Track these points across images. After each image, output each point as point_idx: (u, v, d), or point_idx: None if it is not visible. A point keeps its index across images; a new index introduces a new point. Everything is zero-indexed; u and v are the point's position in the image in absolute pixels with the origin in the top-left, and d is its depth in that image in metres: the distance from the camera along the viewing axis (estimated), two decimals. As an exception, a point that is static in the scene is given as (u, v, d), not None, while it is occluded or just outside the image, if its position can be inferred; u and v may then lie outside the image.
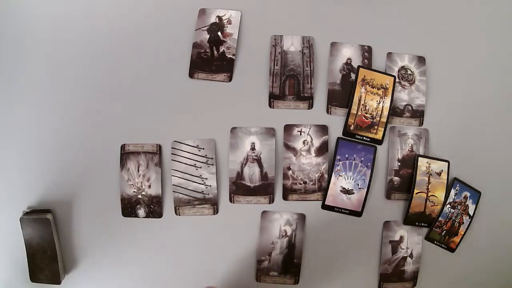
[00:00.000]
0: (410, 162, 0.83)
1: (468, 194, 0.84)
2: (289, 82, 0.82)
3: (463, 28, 0.86)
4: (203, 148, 0.80)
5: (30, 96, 0.81)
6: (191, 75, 0.82)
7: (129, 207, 0.80)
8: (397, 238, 0.83)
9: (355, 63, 0.83)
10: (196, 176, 0.80)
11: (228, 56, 0.82)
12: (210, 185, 0.80)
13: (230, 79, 0.82)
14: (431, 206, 0.82)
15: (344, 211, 0.82)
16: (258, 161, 0.80)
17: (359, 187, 0.81)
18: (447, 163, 0.83)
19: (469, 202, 0.84)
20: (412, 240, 0.83)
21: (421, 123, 0.84)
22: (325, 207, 0.82)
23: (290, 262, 0.81)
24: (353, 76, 0.83)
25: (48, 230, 0.77)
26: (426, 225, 0.83)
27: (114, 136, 0.81)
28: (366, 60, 0.83)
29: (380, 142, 0.82)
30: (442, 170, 0.83)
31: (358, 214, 0.82)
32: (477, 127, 0.86)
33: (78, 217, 0.80)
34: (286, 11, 0.84)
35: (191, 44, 0.82)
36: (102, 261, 0.81)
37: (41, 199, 0.80)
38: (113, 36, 0.82)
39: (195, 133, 0.81)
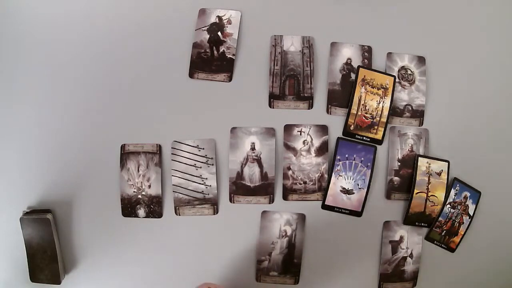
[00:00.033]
0: (410, 162, 0.83)
1: (468, 194, 0.84)
2: (289, 82, 0.82)
3: (463, 28, 0.86)
4: (203, 148, 0.80)
5: (30, 96, 0.81)
6: (191, 75, 0.82)
7: (129, 207, 0.80)
8: (397, 238, 0.83)
9: (355, 63, 0.83)
10: (196, 176, 0.80)
11: (228, 56, 0.82)
12: (210, 185, 0.80)
13: (230, 79, 0.82)
14: (431, 206, 0.82)
15: (344, 211, 0.82)
16: (258, 161, 0.80)
17: (359, 187, 0.81)
18: (447, 163, 0.83)
19: (469, 202, 0.84)
20: (412, 240, 0.83)
21: (421, 123, 0.84)
22: (325, 207, 0.82)
23: (290, 262, 0.81)
24: (353, 76, 0.83)
25: (48, 230, 0.77)
26: (426, 225, 0.83)
27: (114, 136, 0.81)
28: (366, 60, 0.83)
29: (380, 142, 0.82)
30: (442, 170, 0.83)
31: (358, 214, 0.82)
32: (477, 127, 0.86)
33: (78, 217, 0.80)
34: (286, 11, 0.84)
35: (191, 44, 0.82)
36: (102, 261, 0.81)
37: (41, 199, 0.80)
38: (113, 36, 0.82)
39: (195, 133, 0.81)
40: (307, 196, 0.81)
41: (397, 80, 0.83)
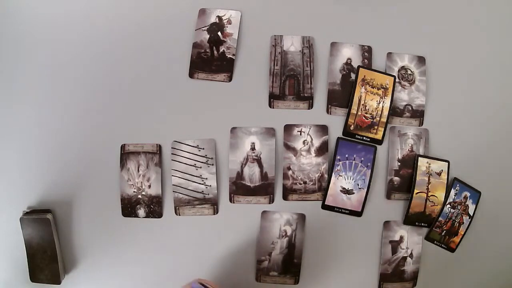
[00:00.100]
0: (410, 162, 0.83)
1: (468, 194, 0.84)
2: (289, 82, 0.82)
3: (463, 28, 0.86)
4: (203, 148, 0.80)
5: (30, 96, 0.81)
6: (191, 75, 0.82)
7: (129, 207, 0.80)
8: (397, 238, 0.83)
9: (355, 63, 0.83)
10: (196, 176, 0.80)
11: (228, 56, 0.82)
12: (210, 185, 0.80)
13: (230, 79, 0.82)
14: (431, 206, 0.82)
15: (344, 211, 0.82)
16: (258, 161, 0.80)
17: (359, 187, 0.81)
18: (447, 163, 0.83)
19: (469, 202, 0.84)
20: (412, 240, 0.83)
21: (421, 123, 0.84)
22: (325, 207, 0.82)
23: (290, 262, 0.81)
24: (353, 76, 0.83)
25: (48, 230, 0.77)
26: (426, 225, 0.83)
27: (114, 136, 0.81)
28: (366, 60, 0.83)
29: (380, 142, 0.82)
30: (442, 170, 0.83)
31: (358, 214, 0.82)
32: (477, 127, 0.86)
33: (78, 217, 0.80)
34: (286, 11, 0.84)
35: (191, 44, 0.82)
36: (102, 261, 0.81)
37: (41, 199, 0.80)
38: (113, 36, 0.82)
39: (195, 133, 0.81)
40: (307, 196, 0.81)
41: (397, 80, 0.83)
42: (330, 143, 0.82)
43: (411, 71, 0.84)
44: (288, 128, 0.81)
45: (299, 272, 0.82)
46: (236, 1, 0.83)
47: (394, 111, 0.83)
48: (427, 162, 0.82)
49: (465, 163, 0.85)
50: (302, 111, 0.82)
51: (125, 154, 0.80)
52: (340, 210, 0.82)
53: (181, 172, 0.80)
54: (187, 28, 0.82)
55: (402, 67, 0.84)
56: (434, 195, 0.82)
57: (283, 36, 0.83)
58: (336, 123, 0.82)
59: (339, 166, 0.81)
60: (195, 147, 0.80)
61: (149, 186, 0.80)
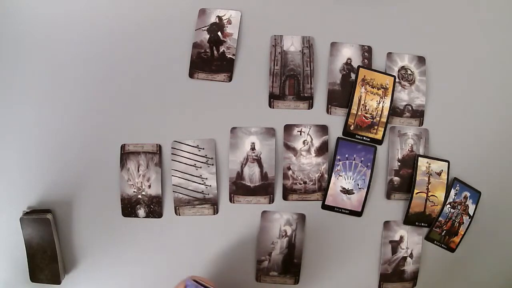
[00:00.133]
0: (410, 162, 0.83)
1: (468, 194, 0.84)
2: (289, 82, 0.82)
3: (463, 28, 0.86)
4: (203, 148, 0.80)
5: (30, 96, 0.81)
6: (191, 75, 0.82)
7: (129, 207, 0.80)
8: (397, 238, 0.83)
9: (355, 63, 0.83)
10: (196, 176, 0.80)
11: (228, 56, 0.82)
12: (210, 185, 0.80)
13: (230, 79, 0.82)
14: (431, 206, 0.82)
15: (344, 211, 0.82)
16: (258, 161, 0.80)
17: (359, 187, 0.81)
18: (447, 163, 0.83)
19: (469, 202, 0.84)
20: (412, 240, 0.83)
21: (421, 123, 0.84)
22: (325, 207, 0.82)
23: (290, 262, 0.81)
24: (353, 76, 0.83)
25: (48, 230, 0.77)
26: (426, 225, 0.83)
27: (114, 136, 0.81)
28: (366, 60, 0.83)
29: (380, 142, 0.82)
30: (442, 170, 0.83)
31: (358, 214, 0.82)
32: (477, 127, 0.86)
33: (78, 217, 0.80)
34: (286, 11, 0.84)
35: (191, 44, 0.82)
36: (102, 261, 0.81)
37: (41, 199, 0.80)
38: (113, 36, 0.82)
39: (195, 133, 0.81)
40: (307, 196, 0.81)
41: (397, 80, 0.83)
42: (330, 143, 0.82)
43: (411, 71, 0.84)
44: (288, 128, 0.81)
45: (299, 272, 0.82)
46: (236, 1, 0.83)
47: (394, 111, 0.83)
48: (427, 162, 0.82)
49: (465, 163, 0.85)
50: (302, 111, 0.82)
51: (125, 154, 0.80)
52: (340, 210, 0.82)
53: (181, 172, 0.80)
54: (187, 28, 0.82)
55: (402, 67, 0.84)
56: (434, 195, 0.82)
57: (283, 36, 0.83)
58: (336, 123, 0.82)
59: (339, 166, 0.81)
60: (195, 147, 0.80)
61: (149, 186, 0.80)
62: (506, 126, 0.86)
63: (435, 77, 0.85)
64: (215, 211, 0.81)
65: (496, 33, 0.87)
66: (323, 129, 0.81)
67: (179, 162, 0.80)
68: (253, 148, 0.80)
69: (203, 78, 0.81)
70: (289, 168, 0.81)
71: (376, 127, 0.82)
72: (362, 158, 0.81)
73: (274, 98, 0.81)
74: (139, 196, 0.80)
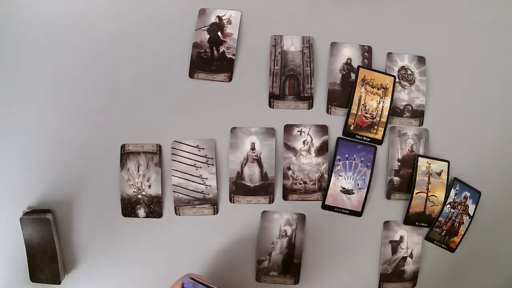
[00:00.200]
0: (410, 162, 0.83)
1: (468, 194, 0.84)
2: (289, 82, 0.82)
3: (463, 28, 0.86)
4: (203, 148, 0.80)
5: (30, 96, 0.81)
6: (191, 75, 0.82)
7: (129, 207, 0.80)
8: (397, 238, 0.83)
9: (355, 63, 0.83)
10: (196, 176, 0.80)
11: (228, 56, 0.82)
12: (210, 185, 0.80)
13: (230, 79, 0.82)
14: (431, 206, 0.82)
15: (344, 211, 0.82)
16: (258, 161, 0.80)
17: (359, 187, 0.81)
18: (447, 163, 0.83)
19: (469, 202, 0.84)
20: (412, 240, 0.83)
21: (421, 123, 0.84)
22: (325, 207, 0.82)
23: (290, 262, 0.81)
24: (353, 76, 0.83)
25: (48, 230, 0.77)
26: (426, 225, 0.83)
27: (114, 136, 0.81)
28: (366, 60, 0.83)
29: (380, 142, 0.82)
30: (442, 170, 0.83)
31: (358, 214, 0.82)
32: (477, 127, 0.86)
33: (78, 217, 0.80)
34: (286, 11, 0.84)
35: (191, 44, 0.82)
36: (102, 261, 0.81)
37: (41, 199, 0.80)
38: (113, 36, 0.82)
39: (195, 133, 0.81)
40: (307, 196, 0.81)
41: (397, 80, 0.83)
42: (330, 143, 0.82)
43: (411, 71, 0.84)
44: (288, 128, 0.81)
45: (299, 272, 0.82)
46: (236, 1, 0.83)
47: (394, 111, 0.83)
48: (427, 162, 0.82)
49: (465, 163, 0.85)
50: (302, 111, 0.82)
51: (125, 154, 0.80)
52: (340, 210, 0.82)
53: (181, 172, 0.80)
54: (187, 28, 0.82)
55: (402, 67, 0.84)
56: (434, 195, 0.82)
57: (283, 36, 0.83)
58: (336, 123, 0.82)
59: (339, 166, 0.81)
60: (195, 147, 0.80)
61: (149, 186, 0.80)
62: (506, 126, 0.86)
63: (435, 77, 0.85)
64: (215, 211, 0.81)
65: (496, 33, 0.87)
66: (323, 129, 0.81)
67: (179, 162, 0.80)
68: (253, 148, 0.80)
69: (203, 78, 0.81)
70: (289, 168, 0.81)
71: (376, 127, 0.82)
72: (362, 158, 0.81)
73: (274, 98, 0.81)
74: (139, 196, 0.80)
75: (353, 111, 0.81)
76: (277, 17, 0.83)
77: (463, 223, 0.83)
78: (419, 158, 0.82)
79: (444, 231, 0.83)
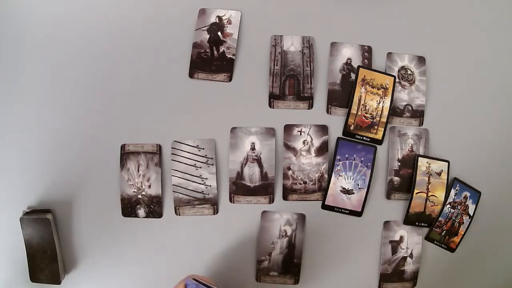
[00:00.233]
0: (410, 162, 0.83)
1: (468, 194, 0.84)
2: (289, 82, 0.82)
3: (463, 28, 0.86)
4: (203, 148, 0.80)
5: (30, 96, 0.81)
6: (191, 75, 0.82)
7: (129, 207, 0.80)
8: (397, 238, 0.83)
9: (355, 63, 0.83)
10: (196, 176, 0.80)
11: (228, 56, 0.82)
12: (210, 185, 0.80)
13: (230, 79, 0.82)
14: (431, 206, 0.82)
15: (344, 211, 0.82)
16: (258, 161, 0.80)
17: (359, 187, 0.81)
18: (447, 163, 0.83)
19: (469, 202, 0.84)
20: (412, 240, 0.83)
21: (421, 123, 0.84)
22: (325, 207, 0.82)
23: (290, 262, 0.81)
24: (353, 76, 0.83)
25: (48, 230, 0.77)
26: (426, 225, 0.83)
27: (114, 136, 0.81)
28: (366, 60, 0.83)
29: (380, 142, 0.82)
30: (442, 170, 0.83)
31: (358, 214, 0.82)
32: (477, 127, 0.86)
33: (78, 217, 0.80)
34: (286, 11, 0.84)
35: (191, 44, 0.82)
36: (102, 261, 0.81)
37: (41, 199, 0.80)
38: (113, 36, 0.82)
39: (195, 133, 0.81)
40: (307, 196, 0.81)
41: (397, 80, 0.83)
42: (330, 143, 0.82)
43: (411, 71, 0.84)
44: (288, 128, 0.81)
45: (299, 272, 0.82)
46: (236, 1, 0.83)
47: (394, 111, 0.83)
48: (427, 162, 0.82)
49: (465, 163, 0.85)
50: (302, 111, 0.82)
51: (125, 154, 0.80)
52: (340, 210, 0.82)
53: (181, 172, 0.80)
54: (187, 28, 0.82)
55: (402, 67, 0.84)
56: (434, 195, 0.82)
57: (283, 36, 0.83)
58: (336, 123, 0.82)
59: (339, 166, 0.81)
60: (195, 147, 0.80)
61: (149, 186, 0.80)
62: (506, 126, 0.86)
63: (435, 77, 0.85)
64: (215, 211, 0.81)
65: (496, 33, 0.87)
66: (323, 129, 0.81)
67: (179, 162, 0.80)
68: (253, 148, 0.80)
69: (203, 78, 0.81)
70: (289, 168, 0.81)
71: (376, 127, 0.82)
72: (362, 158, 0.81)
73: (274, 98, 0.81)
74: (139, 196, 0.80)
75: (353, 111, 0.81)
76: (277, 17, 0.83)
77: (463, 223, 0.83)
78: (419, 158, 0.82)
79: (444, 231, 0.83)
